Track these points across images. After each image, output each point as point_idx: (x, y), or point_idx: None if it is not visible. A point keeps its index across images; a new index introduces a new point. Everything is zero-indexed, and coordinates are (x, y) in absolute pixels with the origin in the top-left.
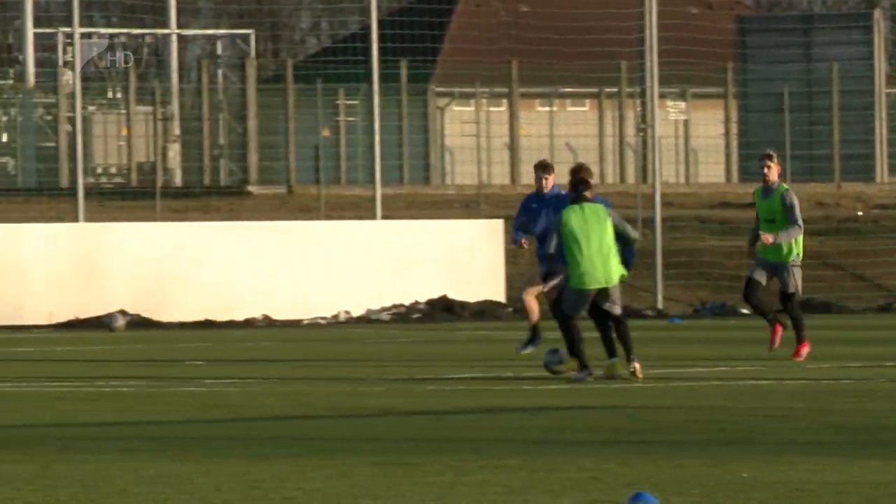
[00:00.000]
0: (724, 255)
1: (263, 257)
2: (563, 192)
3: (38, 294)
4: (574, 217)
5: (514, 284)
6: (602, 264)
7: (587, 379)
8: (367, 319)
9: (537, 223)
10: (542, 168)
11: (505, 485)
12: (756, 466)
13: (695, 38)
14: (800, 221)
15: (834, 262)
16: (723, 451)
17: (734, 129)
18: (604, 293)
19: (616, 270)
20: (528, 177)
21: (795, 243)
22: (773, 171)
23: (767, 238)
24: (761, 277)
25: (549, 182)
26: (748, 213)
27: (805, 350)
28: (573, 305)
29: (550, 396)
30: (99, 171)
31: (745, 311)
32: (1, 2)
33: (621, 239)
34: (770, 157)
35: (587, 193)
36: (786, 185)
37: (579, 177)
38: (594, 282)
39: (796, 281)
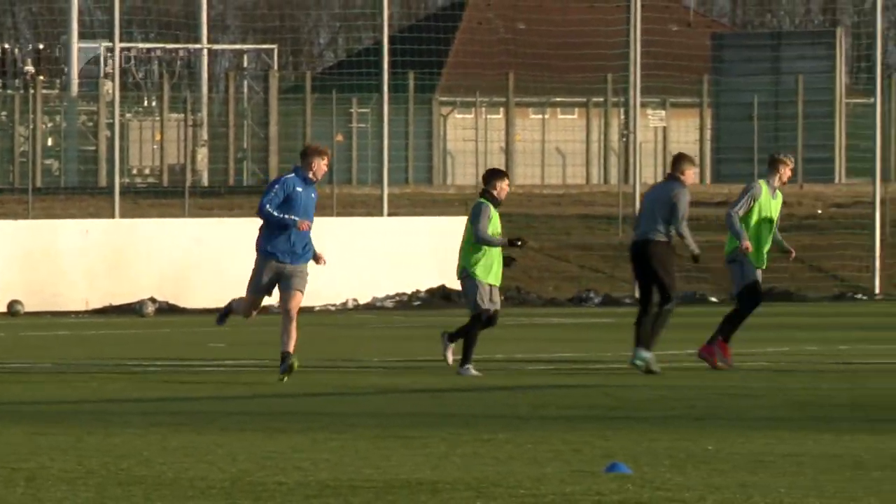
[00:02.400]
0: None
1: None
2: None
3: (76, 283)
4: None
5: (507, 274)
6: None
7: None
8: (372, 306)
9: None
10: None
11: (494, 456)
12: (720, 439)
13: (674, 52)
14: None
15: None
16: (690, 426)
17: (708, 135)
18: None
19: None
20: (522, 178)
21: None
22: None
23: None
24: None
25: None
26: (720, 211)
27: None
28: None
29: (535, 376)
30: (134, 172)
31: (713, 298)
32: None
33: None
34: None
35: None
36: None
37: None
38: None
39: None
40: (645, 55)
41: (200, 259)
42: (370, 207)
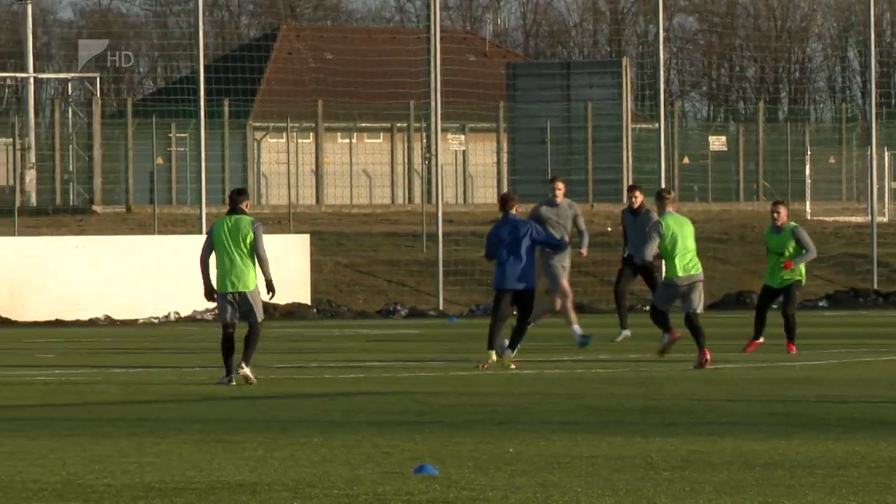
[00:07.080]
0: None
1: (105, 266)
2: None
3: None
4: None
5: (319, 289)
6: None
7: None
8: (193, 319)
9: None
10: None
11: (309, 459)
12: (521, 442)
13: (472, 80)
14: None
15: (588, 271)
16: (493, 430)
17: (505, 158)
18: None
19: None
20: (331, 198)
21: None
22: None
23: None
24: None
25: None
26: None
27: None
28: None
29: (347, 384)
30: None
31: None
32: None
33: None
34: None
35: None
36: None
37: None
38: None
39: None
40: (445, 83)
41: (30, 275)
42: (189, 226)
